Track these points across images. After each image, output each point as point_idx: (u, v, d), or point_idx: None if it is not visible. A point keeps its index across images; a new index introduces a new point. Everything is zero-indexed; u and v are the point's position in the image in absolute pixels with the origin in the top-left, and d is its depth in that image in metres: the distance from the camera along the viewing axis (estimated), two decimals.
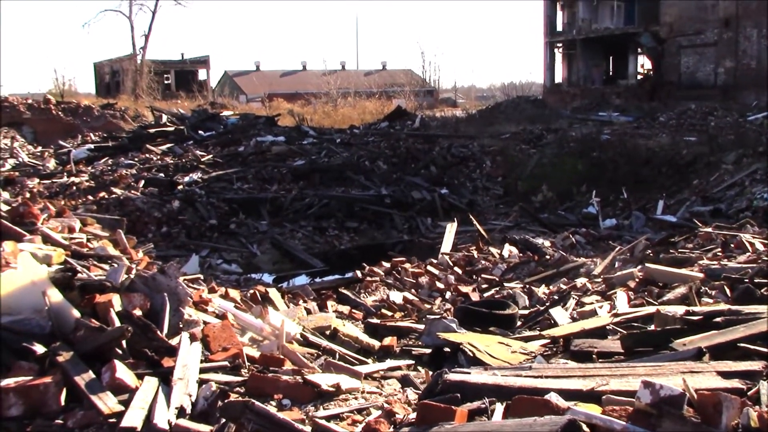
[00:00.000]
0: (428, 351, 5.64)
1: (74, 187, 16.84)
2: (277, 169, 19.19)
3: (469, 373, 3.65)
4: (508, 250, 10.60)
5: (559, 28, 47.70)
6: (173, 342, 3.79)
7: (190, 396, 3.38)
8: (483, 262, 10.01)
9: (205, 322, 4.31)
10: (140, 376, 3.48)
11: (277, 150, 20.91)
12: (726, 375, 3.23)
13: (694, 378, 3.15)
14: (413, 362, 5.27)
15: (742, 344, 3.88)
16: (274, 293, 6.62)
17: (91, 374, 3.42)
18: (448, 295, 8.57)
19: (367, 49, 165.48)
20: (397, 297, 8.23)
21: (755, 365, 3.30)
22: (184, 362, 3.59)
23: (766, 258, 6.73)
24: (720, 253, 7.63)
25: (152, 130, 24.73)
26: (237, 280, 11.04)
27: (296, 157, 20.60)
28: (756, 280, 5.60)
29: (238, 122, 26.67)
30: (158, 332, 3.81)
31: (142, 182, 17.15)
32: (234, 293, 6.02)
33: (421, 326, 6.36)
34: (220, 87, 67.67)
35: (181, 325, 4.03)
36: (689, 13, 37.66)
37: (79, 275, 4.33)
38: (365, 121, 31.78)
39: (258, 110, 38.66)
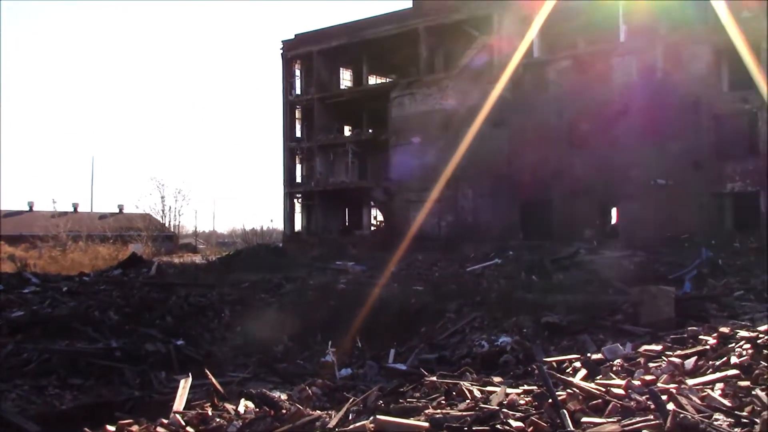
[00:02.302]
0: None
1: None
2: None
3: None
4: (244, 405, 10.31)
5: (299, 179, 49.85)
6: None
7: None
8: (218, 419, 9.62)
9: None
10: None
11: None
12: None
13: None
14: None
15: None
16: None
17: None
18: None
19: (102, 191, 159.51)
20: None
21: None
22: None
23: (482, 405, 7.20)
24: (443, 402, 8.03)
25: None
26: None
27: (14, 307, 18.80)
28: (474, 428, 5.96)
29: None
30: None
31: None
32: None
33: None
34: None
35: None
36: (415, 172, 41.31)
37: None
38: (97, 268, 30.23)
39: None
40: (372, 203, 48.06)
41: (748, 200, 31.57)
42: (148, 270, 26.12)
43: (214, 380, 12.25)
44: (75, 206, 75.97)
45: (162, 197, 76.53)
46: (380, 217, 48.41)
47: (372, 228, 49.07)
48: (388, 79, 49.92)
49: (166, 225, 76.92)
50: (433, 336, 16.15)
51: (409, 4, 44.14)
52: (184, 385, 11.34)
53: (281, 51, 49.26)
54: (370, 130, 47.53)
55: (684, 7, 32.77)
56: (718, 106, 32.34)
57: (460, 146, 38.04)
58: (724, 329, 9.33)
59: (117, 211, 77.77)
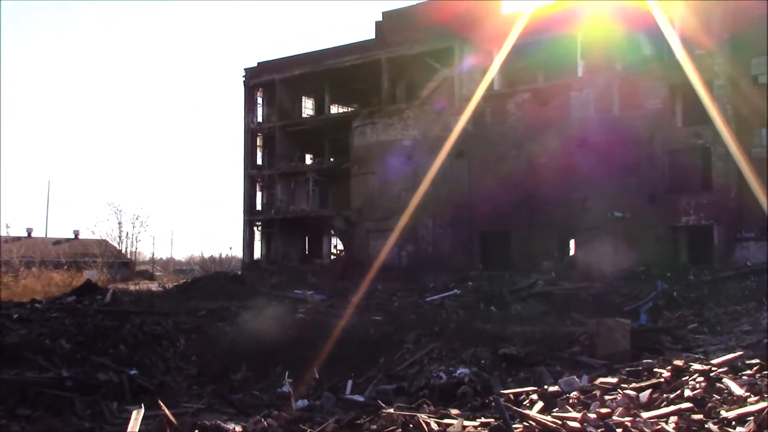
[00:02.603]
0: None
1: None
2: None
3: None
4: None
5: (259, 207, 49.57)
6: None
7: None
8: None
9: None
10: None
11: None
12: None
13: None
14: None
15: None
16: None
17: None
18: None
19: (58, 216, 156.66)
20: None
21: None
22: None
23: None
24: None
25: None
26: None
27: None
28: None
29: None
30: None
31: None
32: None
33: None
34: None
35: None
36: (376, 201, 41.41)
37: None
38: (50, 295, 29.59)
39: None
40: (332, 232, 47.95)
41: (702, 234, 32.21)
42: (103, 297, 25.63)
43: (167, 411, 11.99)
44: (29, 231, 74.50)
45: (119, 223, 75.53)
46: (340, 246, 48.29)
47: (332, 257, 48.89)
48: (350, 109, 50.15)
49: (123, 251, 75.77)
50: (391, 367, 16.07)
51: (372, 35, 44.52)
52: (136, 417, 11.07)
53: (243, 79, 49.22)
54: (332, 159, 47.58)
55: (640, 44, 33.59)
56: (673, 141, 33.06)
57: (421, 176, 38.26)
58: (678, 362, 9.45)
59: (72, 236, 76.42)
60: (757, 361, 8.99)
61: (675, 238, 32.78)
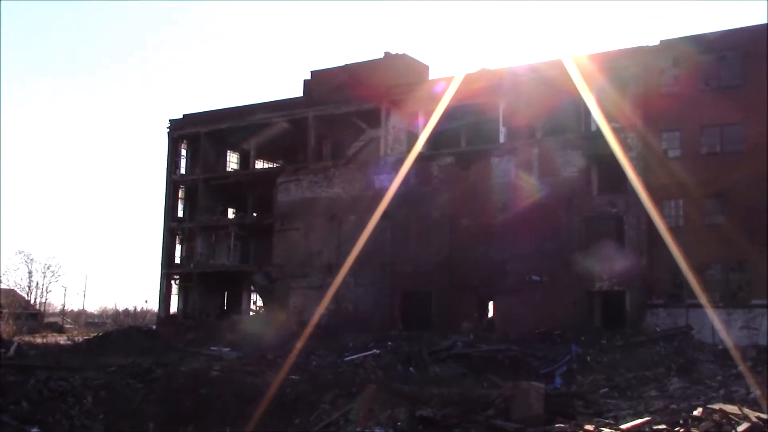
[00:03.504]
0: None
1: None
2: None
3: None
4: None
5: (178, 260, 48.48)
6: None
7: None
8: None
9: None
10: None
11: None
12: None
13: None
14: None
15: None
16: None
17: None
18: None
19: None
20: None
21: None
22: None
23: None
24: None
25: None
26: None
27: None
28: None
29: None
30: None
31: None
32: None
33: None
34: None
35: None
36: (298, 258, 41.18)
37: None
38: None
39: None
40: (252, 288, 47.27)
41: (615, 299, 33.11)
42: (7, 350, 24.55)
43: None
44: None
45: (29, 272, 72.63)
46: (260, 302, 47.62)
47: (251, 313, 48.11)
48: (275, 164, 50.09)
49: (32, 302, 72.78)
50: (307, 428, 15.80)
51: (300, 93, 44.92)
52: None
53: (168, 130, 48.65)
54: (255, 214, 47.23)
55: (559, 114, 34.90)
56: (588, 209, 34.19)
57: (345, 235, 38.31)
58: (589, 427, 9.62)
59: None
60: (664, 426, 9.24)
61: (590, 302, 33.60)
